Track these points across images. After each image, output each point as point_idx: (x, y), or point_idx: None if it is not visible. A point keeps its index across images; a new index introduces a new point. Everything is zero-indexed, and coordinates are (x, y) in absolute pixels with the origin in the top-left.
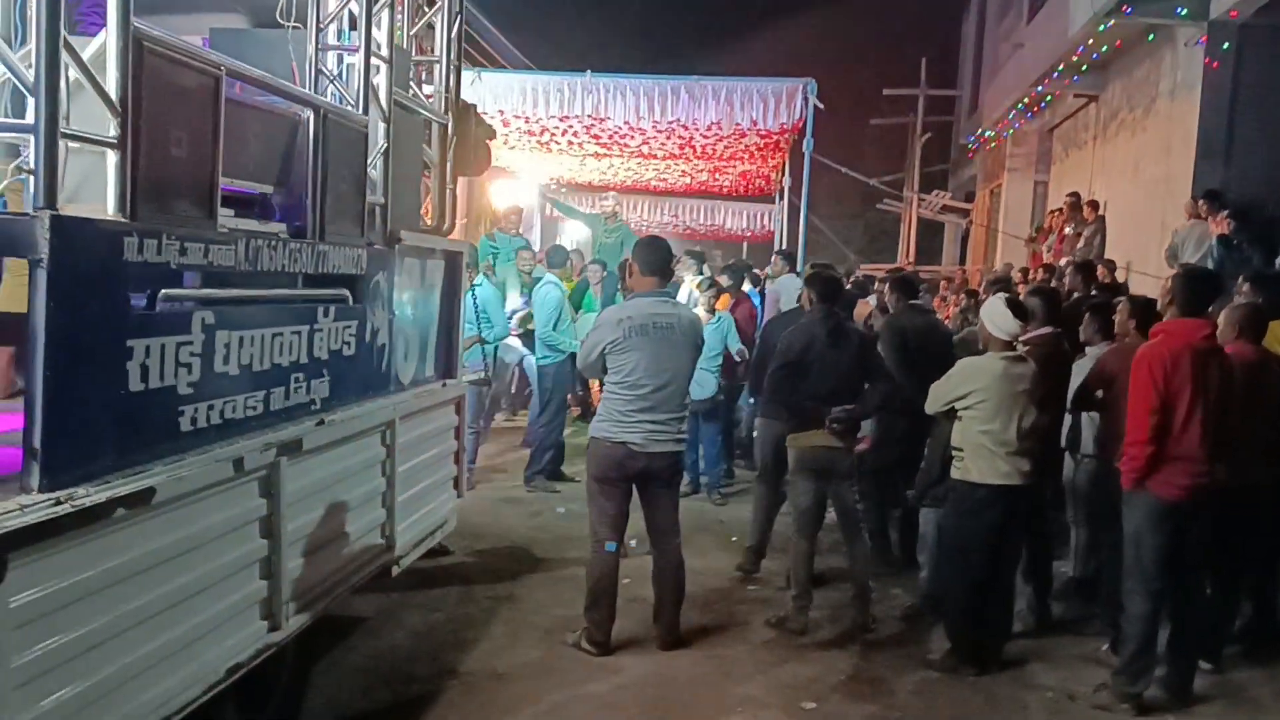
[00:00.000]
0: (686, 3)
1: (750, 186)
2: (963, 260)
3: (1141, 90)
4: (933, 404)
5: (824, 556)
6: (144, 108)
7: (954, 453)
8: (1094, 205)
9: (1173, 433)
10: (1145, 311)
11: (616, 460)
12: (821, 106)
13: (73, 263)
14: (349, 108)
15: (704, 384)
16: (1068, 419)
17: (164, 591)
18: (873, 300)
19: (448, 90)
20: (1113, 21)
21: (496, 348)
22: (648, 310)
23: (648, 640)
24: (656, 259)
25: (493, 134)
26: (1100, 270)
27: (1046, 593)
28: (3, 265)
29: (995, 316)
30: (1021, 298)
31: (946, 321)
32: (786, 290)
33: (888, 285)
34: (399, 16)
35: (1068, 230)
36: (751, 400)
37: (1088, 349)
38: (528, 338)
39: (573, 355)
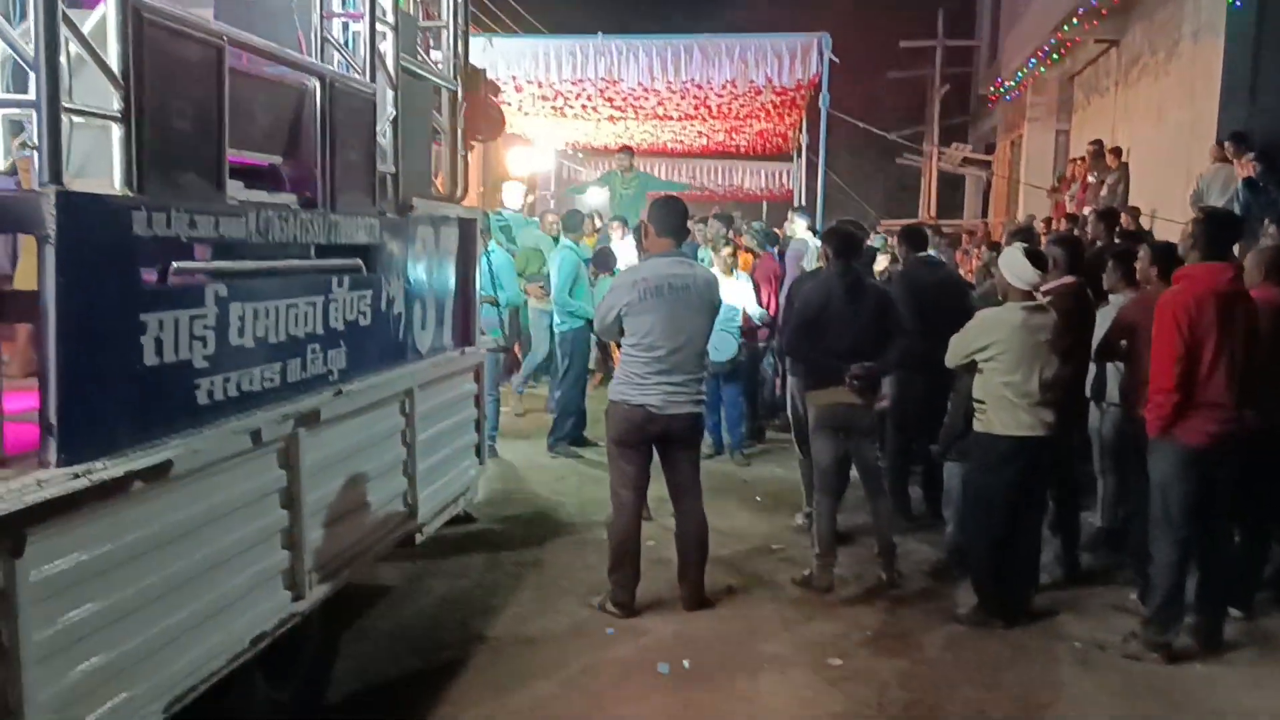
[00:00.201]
0: None
1: (768, 145)
2: (985, 213)
3: (1164, 33)
4: (952, 357)
5: (848, 514)
6: (147, 80)
7: (975, 405)
8: (1117, 152)
9: (1198, 379)
10: (1166, 258)
11: (636, 423)
12: (837, 60)
13: (80, 238)
14: (356, 76)
15: (724, 346)
16: (1092, 368)
17: (185, 563)
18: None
19: (456, 55)
20: None
21: (518, 311)
22: (663, 271)
23: (673, 601)
24: (672, 220)
25: (497, 90)
26: (1124, 218)
27: (1074, 543)
28: (18, 242)
29: (1014, 266)
30: (1043, 247)
31: (969, 276)
32: (809, 250)
33: (896, 238)
34: None
35: (1091, 179)
36: (773, 362)
37: (1111, 297)
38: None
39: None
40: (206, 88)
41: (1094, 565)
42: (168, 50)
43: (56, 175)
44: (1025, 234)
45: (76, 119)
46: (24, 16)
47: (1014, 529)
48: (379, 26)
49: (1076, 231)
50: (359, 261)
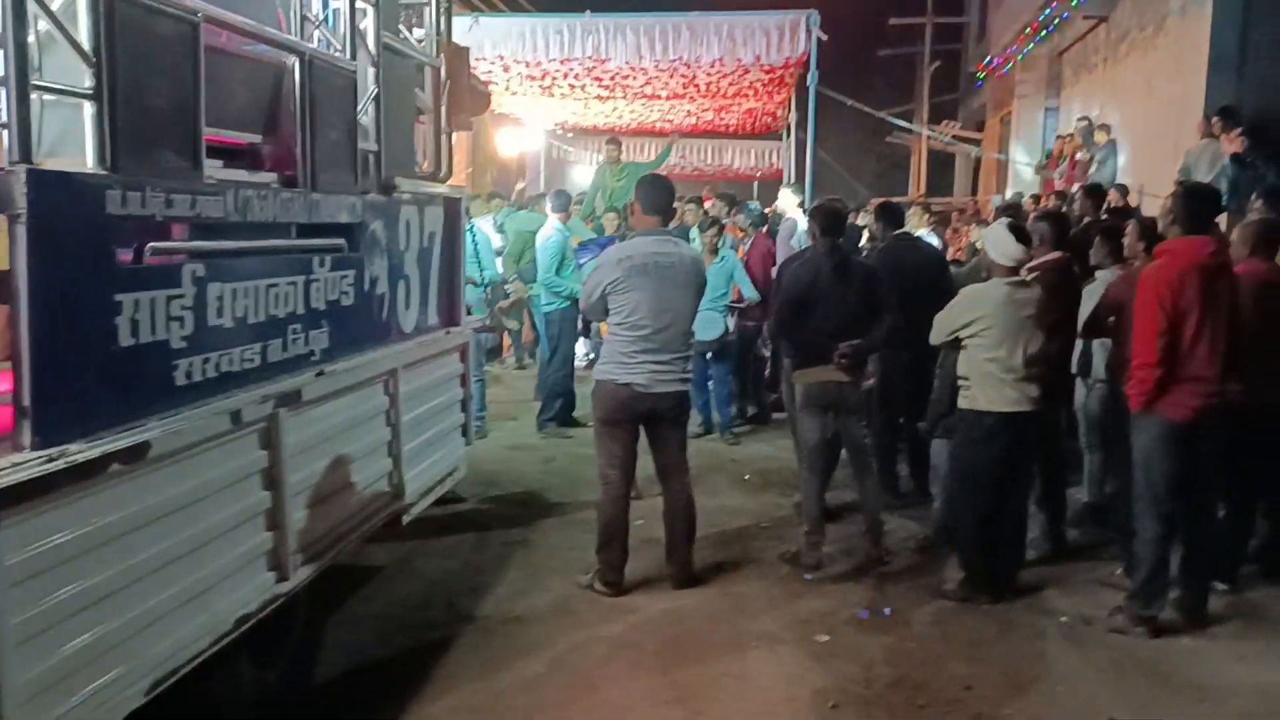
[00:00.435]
0: None
1: (757, 124)
2: (975, 191)
3: (1152, 8)
4: (937, 334)
5: (836, 492)
6: (119, 57)
7: (961, 382)
8: (1105, 129)
9: (1181, 354)
10: (1154, 233)
11: (622, 401)
12: (825, 38)
13: (53, 217)
14: (337, 53)
15: (712, 324)
16: (1079, 344)
17: (166, 545)
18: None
19: (439, 33)
20: None
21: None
22: (649, 250)
23: (661, 580)
24: (659, 198)
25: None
26: (1112, 194)
27: (1060, 519)
28: None
29: (997, 242)
30: (1028, 224)
31: (960, 254)
32: (799, 229)
33: (873, 215)
34: None
35: (1079, 156)
36: (768, 342)
37: (1098, 273)
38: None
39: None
40: (181, 65)
41: (1080, 540)
42: (140, 26)
43: (26, 154)
44: (1013, 210)
45: (48, 97)
46: None
47: (1000, 505)
48: (359, 3)
49: (1065, 208)
50: (341, 241)
